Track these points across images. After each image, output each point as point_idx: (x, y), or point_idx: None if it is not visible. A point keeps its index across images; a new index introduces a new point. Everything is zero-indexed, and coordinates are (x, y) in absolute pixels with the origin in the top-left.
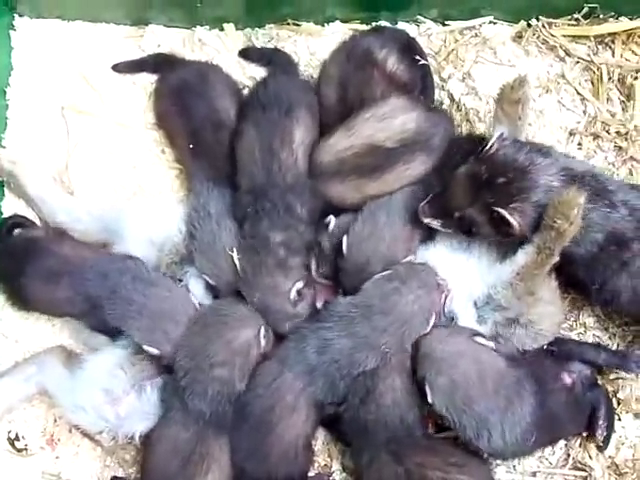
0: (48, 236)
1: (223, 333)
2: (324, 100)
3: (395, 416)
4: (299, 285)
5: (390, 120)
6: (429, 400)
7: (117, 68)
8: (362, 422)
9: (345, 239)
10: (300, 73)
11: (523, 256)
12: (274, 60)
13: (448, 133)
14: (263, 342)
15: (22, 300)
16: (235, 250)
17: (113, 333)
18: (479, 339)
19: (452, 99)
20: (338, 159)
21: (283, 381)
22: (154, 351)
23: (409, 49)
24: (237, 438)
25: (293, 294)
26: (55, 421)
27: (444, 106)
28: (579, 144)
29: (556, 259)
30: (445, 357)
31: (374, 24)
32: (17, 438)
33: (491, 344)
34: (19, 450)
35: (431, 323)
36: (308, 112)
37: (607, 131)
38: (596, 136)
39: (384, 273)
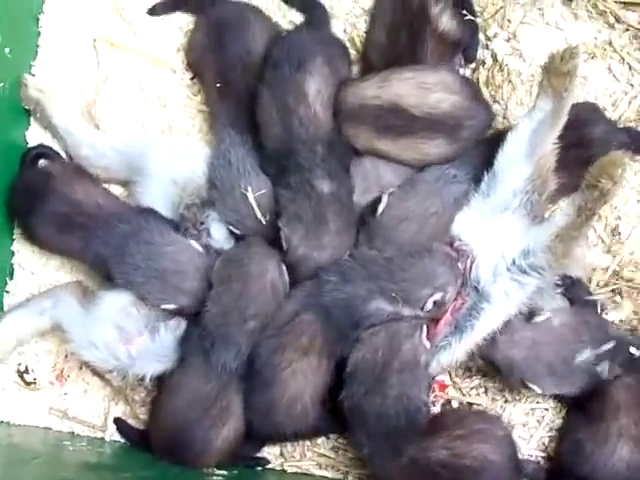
0: (64, 175)
1: (251, 284)
2: (374, 38)
3: (401, 408)
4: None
5: (427, 92)
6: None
7: (153, 11)
8: (363, 413)
9: (385, 198)
10: (330, 25)
11: (563, 217)
12: (308, 7)
13: (480, 129)
14: (286, 277)
15: (33, 238)
16: (250, 189)
17: None
18: (538, 319)
19: (495, 59)
20: (361, 104)
21: (300, 321)
22: (172, 307)
23: (461, 3)
24: (245, 388)
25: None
26: (66, 357)
27: (486, 65)
28: (620, 115)
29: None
30: (524, 358)
31: None
32: (26, 371)
33: (547, 314)
34: (27, 383)
35: (428, 306)
36: (325, 64)
37: None
38: (638, 108)
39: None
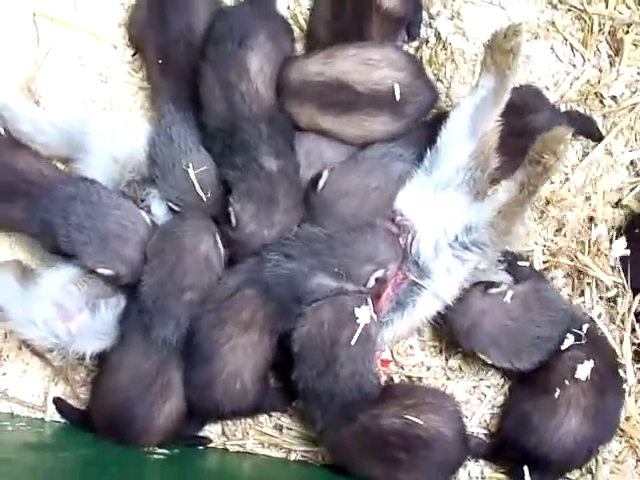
0: (2, 147)
1: (184, 256)
2: (320, 13)
3: (353, 385)
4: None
5: (373, 68)
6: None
7: None
8: (316, 393)
9: (325, 174)
10: (274, 2)
11: (505, 193)
12: None
13: (424, 107)
14: (222, 248)
15: None
16: (191, 165)
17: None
18: (492, 291)
19: (438, 37)
20: (305, 80)
21: (241, 296)
22: (107, 272)
23: None
24: (185, 364)
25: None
26: (5, 337)
27: (429, 44)
28: (562, 95)
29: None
30: (471, 325)
31: None
32: None
33: (503, 288)
34: None
35: (370, 283)
36: (268, 40)
37: (591, 84)
38: (580, 89)
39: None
